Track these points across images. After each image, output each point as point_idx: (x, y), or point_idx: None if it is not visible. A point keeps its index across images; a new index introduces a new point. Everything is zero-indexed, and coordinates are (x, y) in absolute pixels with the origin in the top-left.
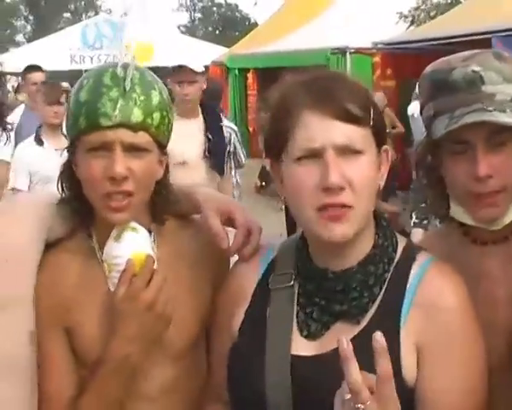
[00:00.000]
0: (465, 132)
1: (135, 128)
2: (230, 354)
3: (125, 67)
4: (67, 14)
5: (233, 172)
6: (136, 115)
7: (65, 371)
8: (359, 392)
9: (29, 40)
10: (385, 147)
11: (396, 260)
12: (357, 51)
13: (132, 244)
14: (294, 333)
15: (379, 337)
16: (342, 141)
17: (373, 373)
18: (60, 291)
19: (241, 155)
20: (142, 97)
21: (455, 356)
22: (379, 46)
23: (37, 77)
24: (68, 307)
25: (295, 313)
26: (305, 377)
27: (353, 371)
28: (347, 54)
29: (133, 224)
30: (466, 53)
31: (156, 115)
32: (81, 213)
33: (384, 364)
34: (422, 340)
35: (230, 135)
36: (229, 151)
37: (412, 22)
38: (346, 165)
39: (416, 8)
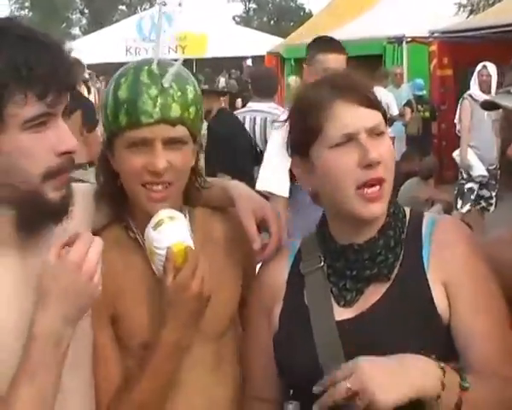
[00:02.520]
0: None
1: (174, 123)
2: (277, 340)
3: (161, 64)
4: (122, 7)
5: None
6: (175, 111)
7: (112, 359)
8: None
9: (84, 33)
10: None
11: (407, 223)
12: (414, 40)
13: (171, 235)
14: (333, 306)
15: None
16: (371, 124)
17: (404, 319)
18: (106, 281)
19: None
20: (178, 93)
21: (475, 284)
22: (435, 35)
23: None
24: (114, 296)
25: (330, 290)
26: (351, 334)
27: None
28: (404, 43)
29: (171, 212)
30: None
31: (192, 109)
32: (117, 205)
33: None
34: (447, 278)
35: None
36: None
37: (471, 11)
38: (376, 144)
39: None
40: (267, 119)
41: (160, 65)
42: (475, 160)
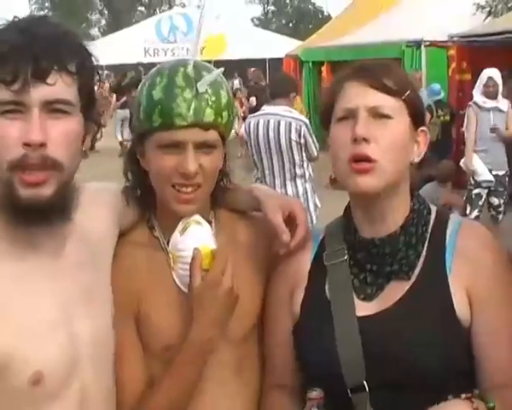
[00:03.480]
0: None
1: (206, 127)
2: (297, 330)
3: (196, 67)
4: (141, 8)
5: (305, 165)
6: (209, 115)
7: (137, 359)
8: None
9: (104, 34)
10: (422, 128)
11: (432, 222)
12: (432, 44)
13: (197, 238)
14: (354, 298)
15: None
16: (373, 103)
17: (424, 320)
18: (130, 282)
19: (313, 148)
20: (213, 98)
21: (501, 294)
22: (454, 39)
23: None
24: (138, 297)
25: (351, 282)
26: (371, 331)
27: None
28: (422, 46)
29: (198, 217)
30: None
31: (225, 114)
32: (144, 205)
33: None
34: (470, 285)
35: (301, 127)
36: (300, 144)
37: (489, 13)
38: (375, 125)
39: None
40: (280, 122)
41: (196, 68)
42: (481, 166)
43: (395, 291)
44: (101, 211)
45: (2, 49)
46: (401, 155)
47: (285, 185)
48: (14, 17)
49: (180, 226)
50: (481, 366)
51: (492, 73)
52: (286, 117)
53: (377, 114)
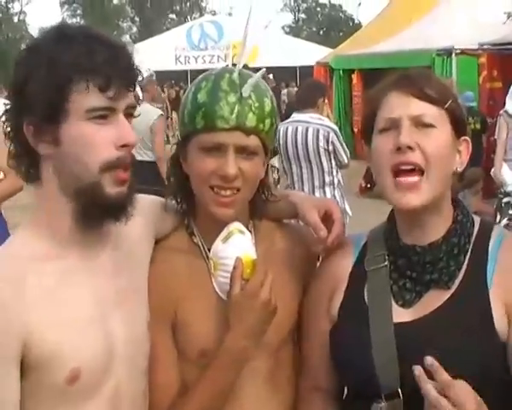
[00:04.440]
0: None
1: (248, 132)
2: (334, 333)
3: (242, 73)
4: (172, 16)
5: (335, 172)
6: (251, 120)
7: (171, 363)
8: (439, 406)
9: (135, 41)
10: (464, 137)
11: (475, 234)
12: (463, 52)
13: (240, 247)
14: (392, 304)
15: (430, 361)
16: (416, 112)
17: (462, 329)
18: (168, 287)
19: (343, 155)
20: (256, 104)
21: None
22: (485, 47)
23: None
24: (176, 303)
25: (389, 286)
26: (407, 339)
27: (431, 391)
28: (453, 55)
29: (241, 226)
30: None
31: (267, 121)
32: (184, 210)
33: (442, 375)
34: (510, 299)
35: (329, 134)
36: (328, 151)
37: None
38: (418, 134)
39: None
40: (308, 128)
41: (241, 75)
42: (510, 175)
43: (434, 300)
44: (139, 216)
45: (96, 60)
46: (445, 164)
47: (313, 192)
48: (61, 26)
49: (223, 234)
50: None
51: None
52: (314, 124)
53: (420, 123)
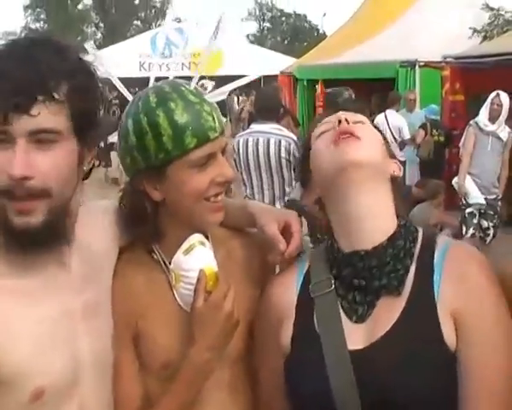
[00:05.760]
0: None
1: (223, 133)
2: (287, 366)
3: (197, 83)
4: (137, 22)
5: (293, 183)
6: (221, 121)
7: (134, 376)
8: None
9: (99, 47)
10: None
11: (419, 241)
12: (427, 65)
13: (202, 259)
14: (345, 323)
15: None
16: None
17: (421, 340)
18: (129, 300)
19: None
20: (215, 106)
21: (487, 319)
22: (448, 60)
23: None
24: (137, 316)
25: (340, 305)
26: (362, 362)
27: None
28: (416, 67)
29: (202, 238)
30: None
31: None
32: (147, 230)
33: None
34: (456, 309)
35: (290, 145)
36: (289, 161)
37: (485, 37)
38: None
39: (490, 24)
40: (270, 139)
41: (187, 84)
42: (473, 187)
43: (387, 313)
44: (103, 229)
45: None
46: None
47: (274, 203)
48: (10, 35)
49: (184, 246)
50: (466, 388)
51: (501, 92)
52: (275, 135)
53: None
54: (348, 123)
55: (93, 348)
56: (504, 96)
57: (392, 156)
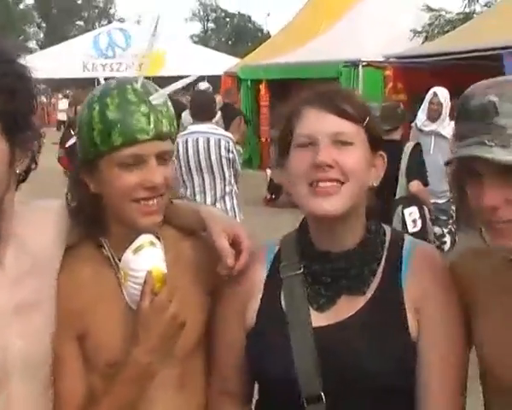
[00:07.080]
0: (475, 162)
1: (164, 138)
2: (251, 339)
3: (143, 82)
4: (80, 22)
5: (233, 181)
6: (165, 126)
7: (77, 373)
8: None
9: (42, 47)
10: (380, 152)
11: (387, 242)
12: (369, 64)
13: (150, 260)
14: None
15: None
16: (334, 130)
17: (377, 330)
18: (74, 298)
19: (238, 164)
20: (165, 108)
21: (440, 314)
22: (391, 60)
23: None
24: (82, 314)
25: (305, 291)
26: (326, 342)
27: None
28: (360, 66)
29: (152, 238)
30: (494, 80)
31: (175, 123)
32: (91, 224)
33: None
34: (418, 304)
35: (229, 143)
36: (229, 159)
37: (426, 38)
38: (336, 151)
39: (430, 24)
40: (209, 139)
41: (142, 83)
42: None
43: (350, 305)
44: (46, 227)
45: None
46: (362, 178)
47: (215, 203)
48: None
49: (134, 245)
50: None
51: (438, 90)
52: (214, 134)
53: (338, 141)
54: (329, 161)
55: (25, 347)
56: (443, 93)
57: (379, 147)
